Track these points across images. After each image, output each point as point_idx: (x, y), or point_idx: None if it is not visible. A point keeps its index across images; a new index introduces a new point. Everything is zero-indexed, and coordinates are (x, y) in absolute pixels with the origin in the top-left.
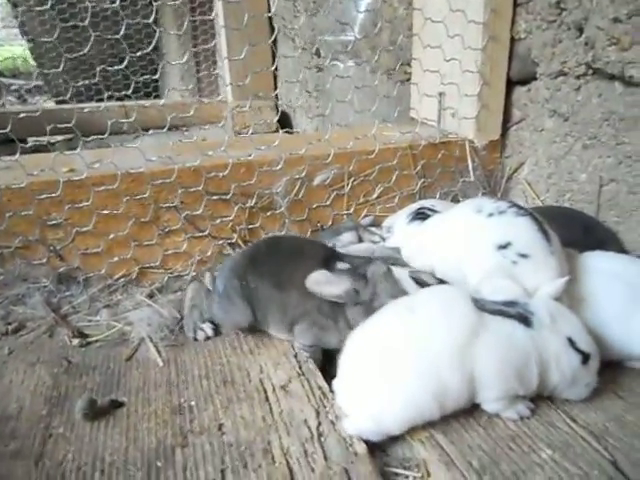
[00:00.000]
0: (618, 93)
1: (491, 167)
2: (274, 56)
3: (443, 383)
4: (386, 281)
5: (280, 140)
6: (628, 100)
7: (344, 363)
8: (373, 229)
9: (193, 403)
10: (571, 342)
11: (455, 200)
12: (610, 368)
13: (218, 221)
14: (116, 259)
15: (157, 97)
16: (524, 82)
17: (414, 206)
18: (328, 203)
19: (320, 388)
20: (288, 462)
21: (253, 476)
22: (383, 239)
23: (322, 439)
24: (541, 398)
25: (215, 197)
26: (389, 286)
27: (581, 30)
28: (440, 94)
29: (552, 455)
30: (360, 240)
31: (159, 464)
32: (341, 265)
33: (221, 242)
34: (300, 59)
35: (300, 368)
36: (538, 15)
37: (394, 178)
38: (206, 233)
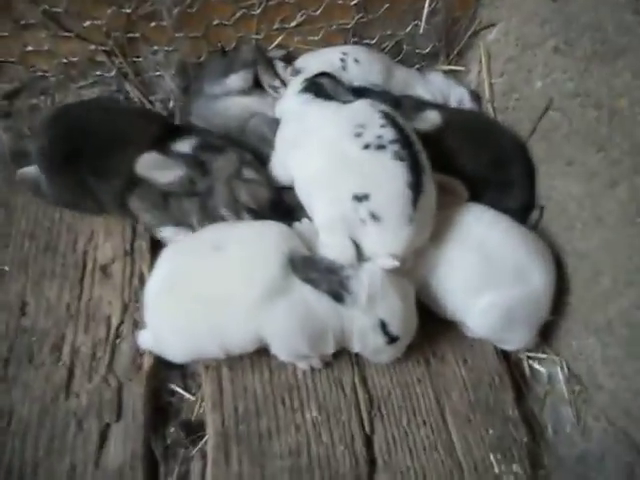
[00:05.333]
0: None
1: (459, 14)
2: None
3: (228, 335)
4: (227, 185)
5: None
6: None
7: (151, 277)
8: (280, 66)
9: (7, 269)
10: (383, 325)
11: (399, 48)
12: (440, 326)
13: (88, 23)
14: None
15: None
16: None
17: (329, 56)
18: (231, 22)
19: (141, 275)
20: (72, 364)
21: (32, 373)
22: (284, 85)
23: (117, 342)
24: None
25: None
26: (227, 193)
27: None
28: None
29: (315, 417)
30: (256, 84)
31: None
32: (183, 145)
33: (93, 47)
34: None
35: (131, 245)
36: None
37: (323, 6)
38: (73, 34)
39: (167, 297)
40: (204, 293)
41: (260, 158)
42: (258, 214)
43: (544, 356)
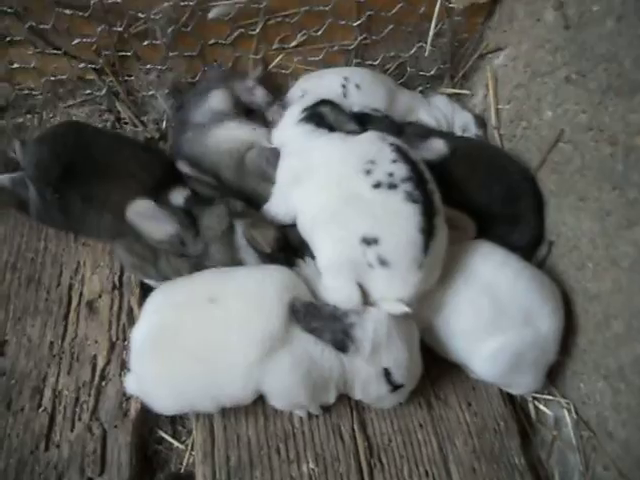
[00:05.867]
0: None
1: (465, 35)
2: None
3: (222, 390)
4: (220, 243)
5: None
6: None
7: (138, 324)
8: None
9: None
10: (387, 373)
11: (402, 70)
12: (443, 367)
13: (77, 40)
14: None
15: None
16: None
17: (329, 81)
18: (229, 42)
19: (130, 311)
20: (54, 410)
21: (11, 421)
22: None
23: (102, 385)
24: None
25: (69, 11)
26: (223, 250)
27: None
28: None
29: (312, 469)
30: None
31: None
32: (177, 195)
33: (82, 65)
34: None
35: (120, 277)
36: None
37: (325, 27)
38: (61, 52)
39: (155, 350)
40: (197, 347)
41: (258, 200)
42: (268, 256)
43: (551, 397)
